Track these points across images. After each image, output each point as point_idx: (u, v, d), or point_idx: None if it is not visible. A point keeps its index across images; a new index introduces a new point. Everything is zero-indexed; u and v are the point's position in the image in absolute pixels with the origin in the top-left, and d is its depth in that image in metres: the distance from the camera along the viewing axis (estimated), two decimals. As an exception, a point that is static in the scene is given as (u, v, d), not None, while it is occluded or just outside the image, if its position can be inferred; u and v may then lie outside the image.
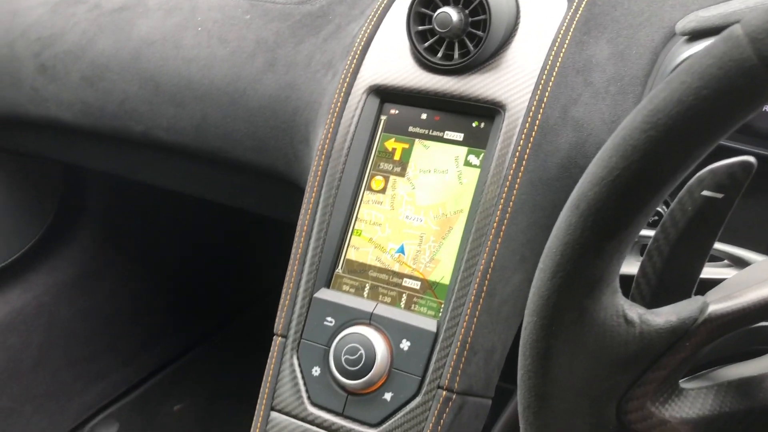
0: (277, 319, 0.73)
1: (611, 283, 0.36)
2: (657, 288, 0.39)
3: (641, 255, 0.45)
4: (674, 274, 0.40)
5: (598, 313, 0.36)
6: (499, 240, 0.66)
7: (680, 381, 0.39)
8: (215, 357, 1.54)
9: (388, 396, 0.66)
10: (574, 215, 0.34)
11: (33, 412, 1.29)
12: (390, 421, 0.66)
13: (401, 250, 0.72)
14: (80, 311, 1.34)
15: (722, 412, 0.38)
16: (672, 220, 0.39)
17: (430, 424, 0.64)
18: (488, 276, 0.65)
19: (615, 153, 0.33)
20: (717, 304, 0.36)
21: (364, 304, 0.70)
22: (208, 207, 1.32)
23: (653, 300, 0.39)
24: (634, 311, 0.37)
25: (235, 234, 1.62)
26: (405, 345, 0.67)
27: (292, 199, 0.82)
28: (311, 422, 0.68)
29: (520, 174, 0.66)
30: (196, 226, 1.52)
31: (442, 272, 0.69)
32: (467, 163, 0.70)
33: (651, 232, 0.42)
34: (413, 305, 0.70)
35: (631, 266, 0.47)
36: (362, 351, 0.67)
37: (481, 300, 0.65)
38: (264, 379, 0.72)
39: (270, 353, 0.72)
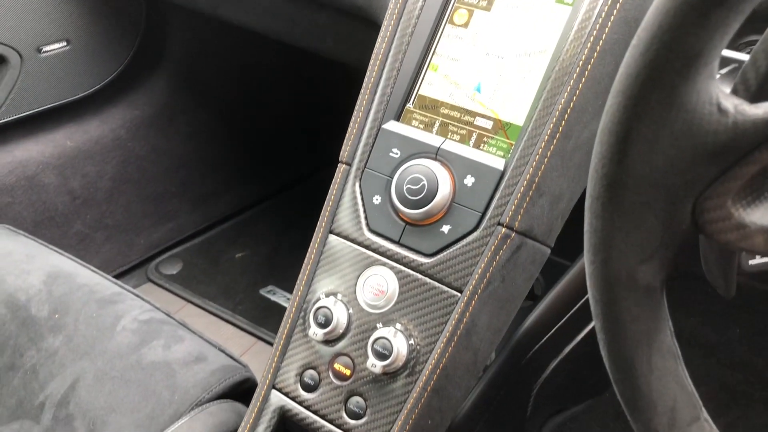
0: (342, 147, 0.72)
1: (709, 65, 0.33)
2: (765, 80, 0.35)
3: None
4: None
5: (689, 96, 0.33)
6: (583, 80, 0.62)
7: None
8: (280, 213, 1.58)
9: (445, 228, 0.65)
10: None
11: (104, 241, 1.36)
12: (445, 253, 0.65)
13: (477, 89, 0.69)
14: (154, 150, 1.38)
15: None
16: None
17: (485, 258, 0.63)
18: (566, 116, 0.62)
19: None
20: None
21: (432, 139, 0.68)
22: (287, 65, 1.31)
23: (758, 93, 0.35)
24: (730, 101, 0.34)
25: (312, 99, 1.62)
26: (469, 180, 0.65)
27: (369, 43, 0.80)
28: (367, 247, 0.69)
29: (615, 11, 0.62)
30: (275, 84, 1.52)
31: (518, 113, 0.67)
32: (559, 0, 0.66)
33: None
34: (482, 145, 0.67)
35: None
36: (425, 182, 0.65)
37: (555, 141, 0.63)
38: (325, 204, 0.72)
39: (333, 180, 0.72)
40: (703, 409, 0.40)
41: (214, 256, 1.51)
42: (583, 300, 0.90)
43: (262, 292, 1.43)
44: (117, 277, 1.36)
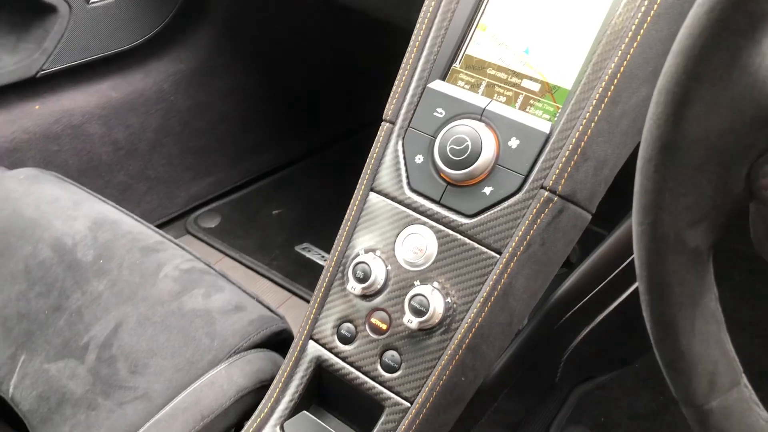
0: (387, 105, 0.72)
1: None
2: None
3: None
4: None
5: (753, 59, 0.33)
6: (635, 44, 0.61)
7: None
8: (318, 172, 1.59)
9: (487, 190, 0.66)
10: None
11: (146, 192, 1.39)
12: (486, 214, 0.65)
13: (526, 51, 0.69)
14: (196, 104, 1.39)
15: None
16: None
17: (526, 221, 0.63)
18: (615, 81, 0.62)
19: None
20: None
21: (478, 100, 0.68)
22: (330, 23, 1.31)
23: None
24: (794, 64, 0.33)
25: (353, 59, 1.61)
26: (513, 143, 0.65)
27: (417, 1, 0.79)
28: (408, 206, 0.69)
29: (672, -26, 0.60)
30: (317, 42, 1.52)
31: (566, 76, 0.66)
32: (614, -38, 0.65)
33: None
34: (528, 107, 0.67)
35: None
36: (469, 143, 0.65)
37: (602, 105, 0.62)
38: (367, 162, 0.73)
39: (376, 138, 0.73)
40: (743, 375, 0.41)
41: (252, 211, 1.54)
42: (618, 270, 0.89)
43: (298, 248, 1.46)
44: (157, 228, 1.39)
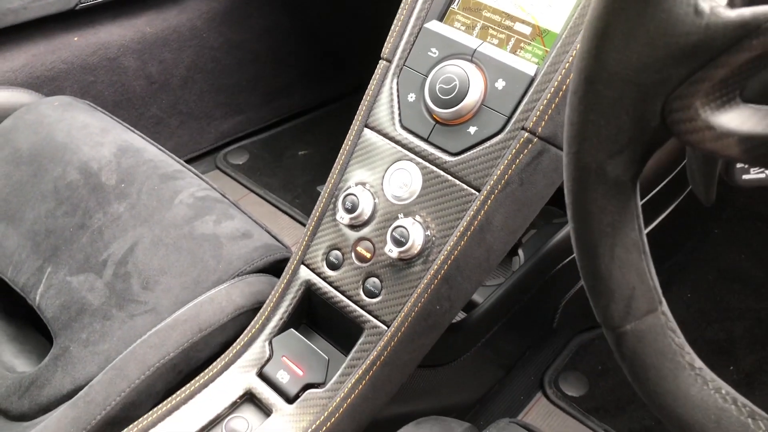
0: (385, 44, 0.75)
1: None
2: None
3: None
4: None
5: (667, -4, 0.34)
6: (622, -10, 0.62)
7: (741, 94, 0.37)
8: (345, 116, 1.62)
9: (472, 129, 0.68)
10: None
11: (178, 126, 1.45)
12: (469, 153, 0.68)
13: (520, -6, 0.70)
14: (228, 43, 1.43)
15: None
16: None
17: (506, 161, 0.66)
18: (600, 26, 0.62)
19: None
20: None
21: (471, 41, 0.70)
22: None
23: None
24: (708, 3, 0.35)
25: (388, 8, 1.62)
26: (500, 84, 0.67)
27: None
28: (398, 142, 0.72)
29: None
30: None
31: (557, 21, 0.67)
32: None
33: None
34: (519, 50, 0.69)
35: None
36: (457, 82, 0.68)
37: (586, 49, 0.63)
38: (363, 99, 0.76)
39: (373, 76, 0.75)
40: (663, 302, 0.43)
41: (279, 151, 1.58)
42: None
43: (319, 188, 1.50)
44: (188, 162, 1.45)
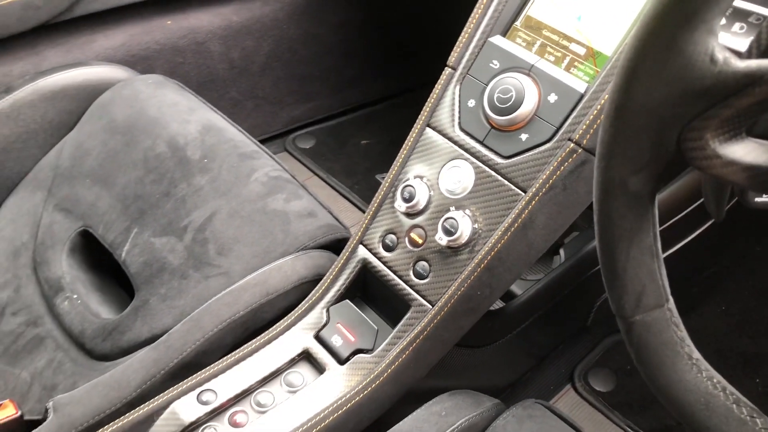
0: (451, 53, 0.83)
1: (708, 23, 0.41)
2: None
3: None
4: None
5: (686, 45, 0.42)
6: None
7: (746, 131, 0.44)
8: (407, 111, 1.70)
9: (523, 136, 0.76)
10: None
11: (253, 109, 1.56)
12: (519, 157, 0.76)
13: (579, 18, 0.77)
14: (306, 35, 1.53)
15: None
16: None
17: (551, 167, 0.73)
18: (647, 53, 0.69)
19: None
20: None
21: (530, 57, 0.77)
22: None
23: (766, 52, 0.43)
24: (722, 53, 0.42)
25: (457, 10, 1.69)
26: (552, 98, 0.75)
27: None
28: (455, 142, 0.80)
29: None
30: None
31: (609, 45, 0.74)
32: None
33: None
34: (572, 68, 0.76)
35: None
36: (513, 93, 0.75)
37: (632, 73, 0.70)
38: (428, 101, 0.84)
39: (438, 81, 0.83)
40: (671, 300, 0.50)
41: (343, 138, 1.68)
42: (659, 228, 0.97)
43: (378, 176, 1.59)
44: (259, 143, 1.56)
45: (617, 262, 0.49)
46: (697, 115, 0.43)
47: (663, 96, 0.44)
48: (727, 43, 0.61)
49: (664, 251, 1.06)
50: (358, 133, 1.70)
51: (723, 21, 0.61)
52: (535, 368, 1.17)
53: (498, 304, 1.00)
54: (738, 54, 0.49)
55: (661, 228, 0.96)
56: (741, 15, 0.60)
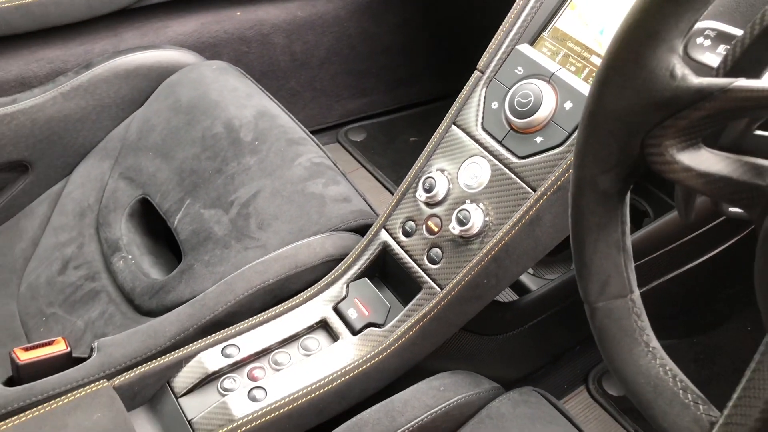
0: (481, 58, 0.89)
1: (669, 42, 0.46)
2: (736, 63, 0.48)
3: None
4: (747, 61, 0.48)
5: (649, 61, 0.47)
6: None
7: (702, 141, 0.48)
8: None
9: (538, 139, 0.81)
10: None
11: (310, 99, 1.65)
12: (533, 158, 0.81)
13: (601, 31, 0.82)
14: (365, 32, 1.61)
15: (724, 176, 0.47)
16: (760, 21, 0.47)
17: (561, 169, 0.79)
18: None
19: None
20: (746, 82, 0.45)
21: (552, 65, 0.83)
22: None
23: (731, 72, 0.48)
24: (682, 70, 0.47)
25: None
26: (568, 105, 0.80)
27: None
28: (477, 140, 0.87)
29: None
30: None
31: (626, 58, 0.79)
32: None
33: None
34: (590, 79, 0.81)
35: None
36: (532, 98, 0.81)
37: (643, 87, 0.75)
38: (455, 101, 0.90)
39: (467, 83, 0.90)
40: (635, 292, 0.55)
41: (393, 134, 1.75)
42: (682, 240, 1.00)
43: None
44: (313, 133, 1.65)
45: (585, 252, 0.55)
46: (657, 124, 0.49)
47: (629, 104, 0.49)
48: (713, 64, 0.65)
49: (692, 261, 1.08)
50: (407, 130, 1.76)
51: (708, 43, 0.65)
52: (550, 366, 1.21)
53: (511, 297, 1.05)
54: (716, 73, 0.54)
55: (690, 237, 0.99)
56: (725, 38, 0.64)
